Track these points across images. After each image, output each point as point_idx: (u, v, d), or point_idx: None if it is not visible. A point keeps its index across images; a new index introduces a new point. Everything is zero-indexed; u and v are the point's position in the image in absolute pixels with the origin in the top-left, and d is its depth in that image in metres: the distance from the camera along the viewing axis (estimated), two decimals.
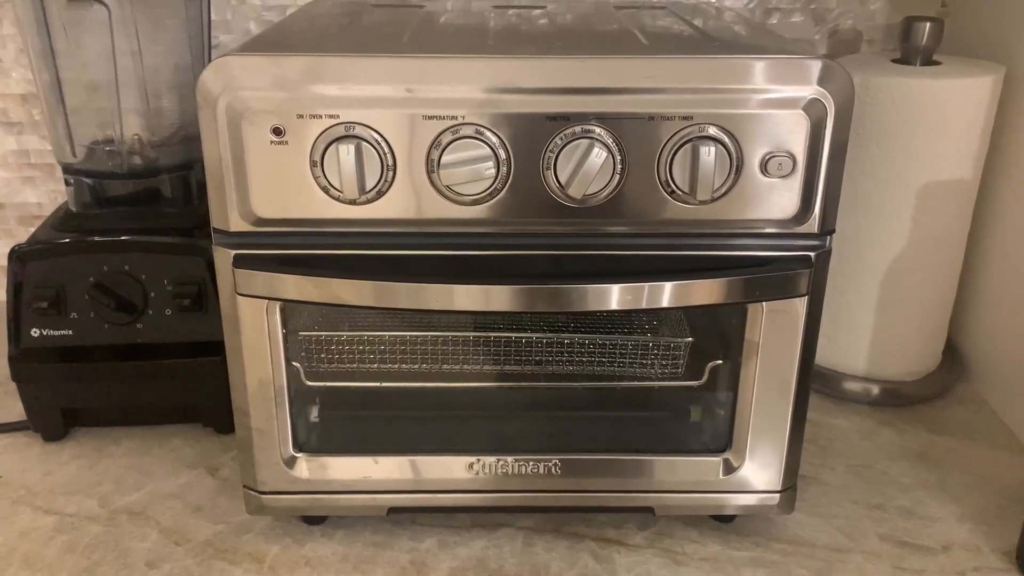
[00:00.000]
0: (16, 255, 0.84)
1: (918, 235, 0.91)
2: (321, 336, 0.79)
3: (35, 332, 0.85)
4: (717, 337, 0.77)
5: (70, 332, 0.85)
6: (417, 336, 0.80)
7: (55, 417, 0.89)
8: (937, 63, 0.91)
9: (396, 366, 0.81)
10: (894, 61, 0.92)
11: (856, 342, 0.97)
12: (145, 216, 0.89)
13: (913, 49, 0.90)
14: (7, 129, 1.10)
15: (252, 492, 0.74)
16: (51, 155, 1.09)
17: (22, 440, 0.90)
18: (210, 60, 0.92)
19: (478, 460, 0.73)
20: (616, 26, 0.78)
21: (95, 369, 0.87)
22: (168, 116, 0.92)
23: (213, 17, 1.01)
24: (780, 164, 0.63)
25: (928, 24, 0.89)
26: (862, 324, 0.96)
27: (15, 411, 0.90)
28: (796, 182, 0.63)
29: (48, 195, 1.14)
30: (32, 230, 0.90)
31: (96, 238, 0.86)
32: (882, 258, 0.93)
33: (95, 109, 0.89)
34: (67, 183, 0.90)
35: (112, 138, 0.90)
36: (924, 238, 0.91)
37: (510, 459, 0.73)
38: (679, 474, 0.74)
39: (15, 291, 0.84)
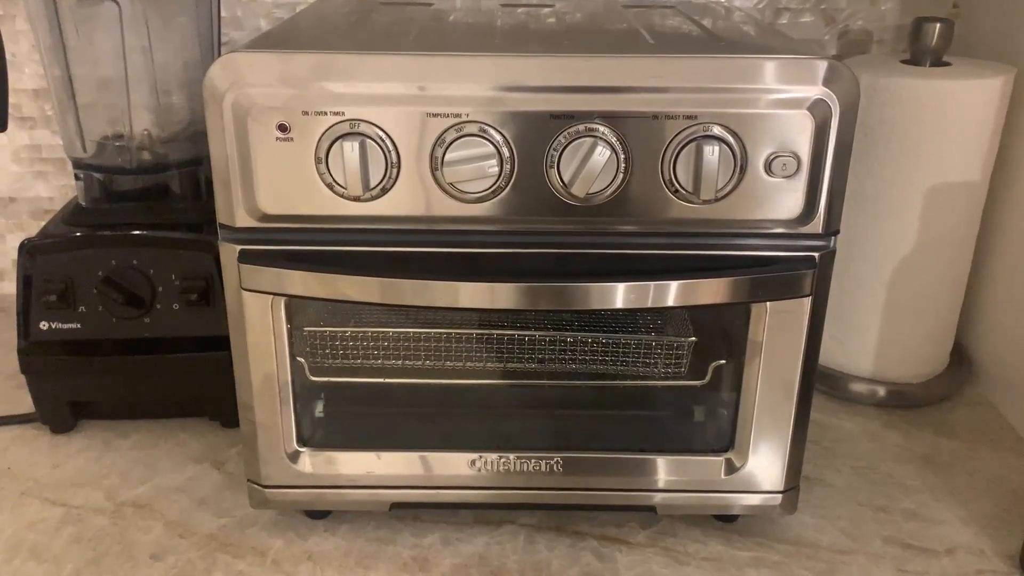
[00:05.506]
0: (26, 249, 0.85)
1: (926, 237, 0.91)
2: (325, 332, 0.79)
3: (44, 325, 0.86)
4: (721, 337, 0.77)
5: (79, 325, 0.86)
6: (421, 333, 0.80)
7: (63, 410, 0.90)
8: (947, 64, 0.90)
9: (400, 362, 0.81)
10: (903, 62, 0.92)
11: (863, 343, 0.97)
12: (154, 211, 0.89)
13: (923, 50, 0.90)
14: (19, 124, 1.11)
15: (256, 486, 0.74)
16: (63, 150, 1.10)
17: (30, 432, 0.91)
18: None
19: (480, 457, 0.73)
20: (624, 25, 0.78)
21: (103, 363, 0.87)
22: (178, 112, 0.92)
23: (223, 14, 1.01)
24: (784, 164, 0.63)
25: (938, 25, 0.88)
26: (869, 325, 0.96)
27: (24, 403, 0.91)
28: (800, 182, 0.63)
29: (59, 190, 1.15)
30: (44, 224, 0.91)
31: (105, 232, 0.86)
32: (890, 259, 0.92)
33: (105, 105, 0.90)
34: (77, 178, 0.91)
35: (122, 134, 0.91)
36: (932, 240, 0.91)
37: (512, 456, 0.73)
38: (681, 473, 0.74)
39: (24, 284, 0.85)
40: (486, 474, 0.74)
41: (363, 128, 0.61)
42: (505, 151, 0.62)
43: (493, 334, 0.80)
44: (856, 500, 0.82)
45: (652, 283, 0.66)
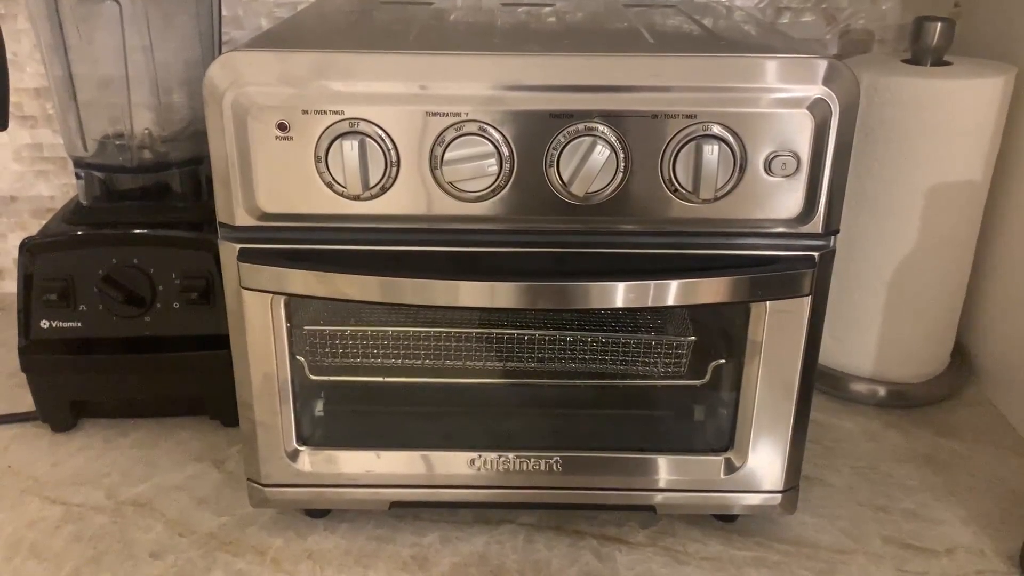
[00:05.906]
0: (26, 247, 0.85)
1: (927, 236, 0.90)
2: (325, 331, 0.79)
3: (45, 324, 0.86)
4: (720, 336, 0.77)
5: (79, 324, 0.86)
6: (420, 332, 0.80)
7: (64, 408, 0.90)
8: (948, 64, 0.90)
9: (399, 361, 0.81)
10: (904, 62, 0.92)
11: (863, 343, 0.97)
12: (154, 210, 0.89)
13: (924, 49, 0.90)
14: (21, 123, 1.11)
15: (256, 485, 0.74)
16: (64, 149, 1.10)
17: (31, 431, 0.91)
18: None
19: (480, 456, 0.73)
20: (624, 24, 0.78)
21: (103, 361, 0.87)
22: (178, 111, 0.92)
23: (225, 13, 1.01)
24: (784, 163, 0.63)
25: (939, 24, 0.88)
26: (869, 325, 0.95)
27: (24, 402, 0.91)
28: (800, 182, 0.63)
29: (61, 189, 1.15)
30: (44, 223, 0.91)
31: (106, 231, 0.86)
32: (890, 259, 0.92)
33: (106, 104, 0.90)
34: (78, 176, 0.91)
35: (123, 132, 0.91)
36: (933, 239, 0.91)
37: (511, 455, 0.73)
38: (681, 473, 0.74)
39: (25, 283, 0.85)
40: (486, 473, 0.74)
41: (363, 127, 0.61)
42: (504, 150, 0.62)
43: (493, 333, 0.80)
44: (856, 500, 0.82)
45: (652, 282, 0.65)
